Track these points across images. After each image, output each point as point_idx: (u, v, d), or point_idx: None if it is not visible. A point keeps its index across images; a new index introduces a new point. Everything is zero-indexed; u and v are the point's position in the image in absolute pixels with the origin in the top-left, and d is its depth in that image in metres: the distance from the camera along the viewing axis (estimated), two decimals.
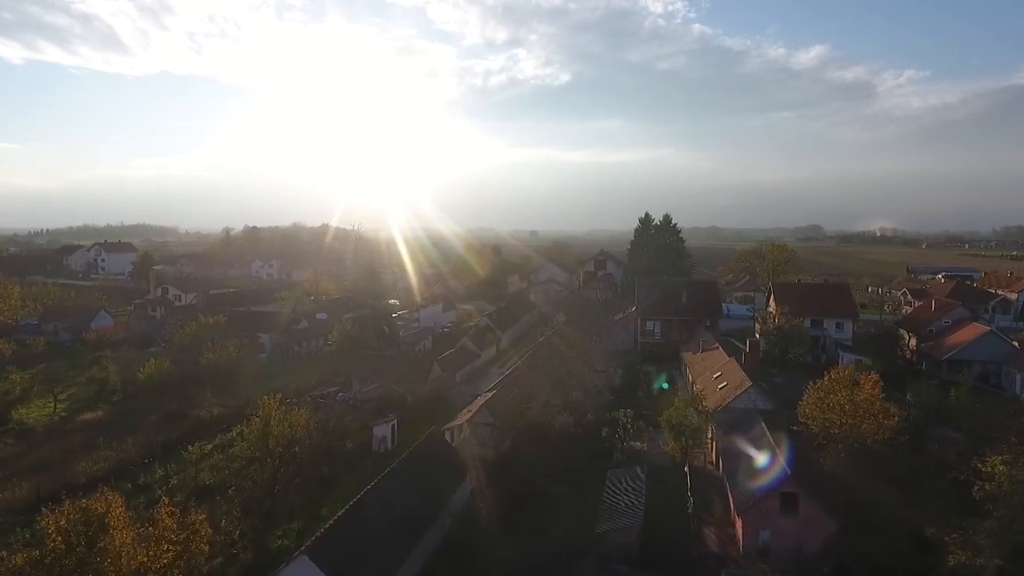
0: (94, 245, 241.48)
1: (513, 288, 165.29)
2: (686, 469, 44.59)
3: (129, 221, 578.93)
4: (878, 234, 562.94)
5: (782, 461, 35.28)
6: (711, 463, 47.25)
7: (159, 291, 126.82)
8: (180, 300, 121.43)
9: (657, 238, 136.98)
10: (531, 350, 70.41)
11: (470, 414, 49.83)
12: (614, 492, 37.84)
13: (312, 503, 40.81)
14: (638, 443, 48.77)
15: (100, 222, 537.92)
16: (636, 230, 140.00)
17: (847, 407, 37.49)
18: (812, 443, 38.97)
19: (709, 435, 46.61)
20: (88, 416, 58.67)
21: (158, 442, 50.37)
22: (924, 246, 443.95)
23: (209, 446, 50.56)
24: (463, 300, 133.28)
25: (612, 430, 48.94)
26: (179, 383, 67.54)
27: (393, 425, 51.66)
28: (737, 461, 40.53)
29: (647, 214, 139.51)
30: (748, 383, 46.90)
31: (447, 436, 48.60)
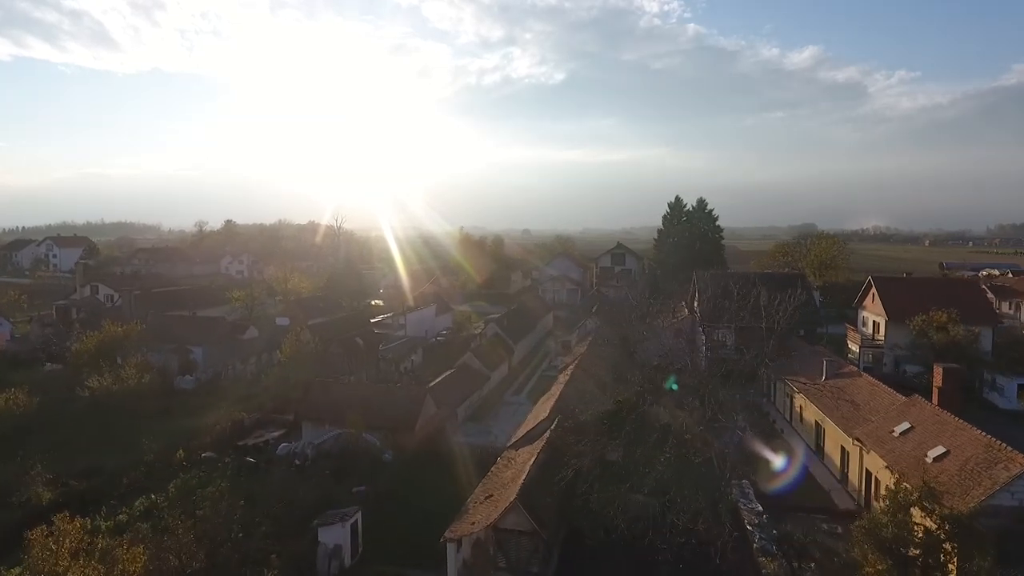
0: (45, 239, 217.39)
1: (516, 286, 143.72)
2: None
3: (112, 219, 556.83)
4: (871, 232, 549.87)
5: None
6: None
7: (87, 290, 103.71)
8: (112, 301, 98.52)
9: (689, 226, 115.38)
10: (575, 368, 48.57)
11: (492, 507, 27.86)
12: None
13: None
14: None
15: (81, 220, 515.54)
16: (664, 217, 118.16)
17: None
18: None
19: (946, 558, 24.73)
20: None
21: None
22: (927, 244, 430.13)
23: (16, 572, 28.02)
24: (459, 301, 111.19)
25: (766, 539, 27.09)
26: (44, 429, 45.19)
27: (354, 523, 29.47)
28: None
29: (677, 197, 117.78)
30: (1020, 458, 25.03)
31: (451, 552, 26.63)
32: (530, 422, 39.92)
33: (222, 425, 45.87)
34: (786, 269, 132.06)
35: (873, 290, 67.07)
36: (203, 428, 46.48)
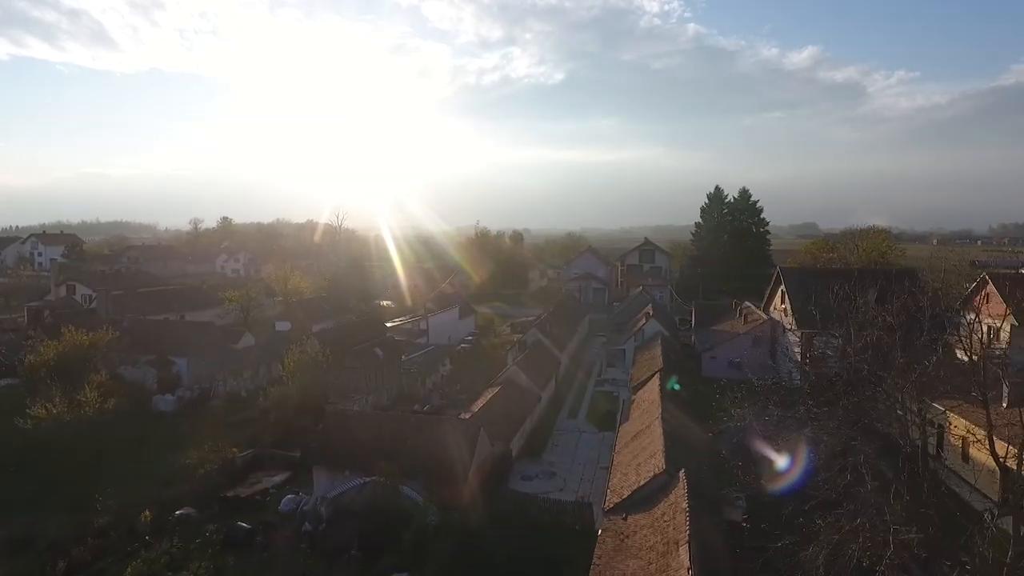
0: (29, 237, 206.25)
1: (534, 286, 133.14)
2: None
3: (109, 218, 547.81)
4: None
5: None
6: None
7: (63, 289, 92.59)
8: (90, 302, 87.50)
9: (731, 220, 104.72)
10: (661, 392, 37.53)
11: None
12: None
13: None
14: None
15: (76, 219, 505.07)
16: (703, 208, 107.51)
17: None
18: None
19: None
20: None
21: None
22: (935, 243, 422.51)
23: None
24: (475, 301, 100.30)
25: None
26: None
27: None
28: None
29: (717, 188, 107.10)
30: None
31: None
32: (628, 471, 28.94)
33: (207, 467, 34.95)
34: (836, 266, 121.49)
35: (988, 289, 56.42)
36: (182, 469, 35.59)
